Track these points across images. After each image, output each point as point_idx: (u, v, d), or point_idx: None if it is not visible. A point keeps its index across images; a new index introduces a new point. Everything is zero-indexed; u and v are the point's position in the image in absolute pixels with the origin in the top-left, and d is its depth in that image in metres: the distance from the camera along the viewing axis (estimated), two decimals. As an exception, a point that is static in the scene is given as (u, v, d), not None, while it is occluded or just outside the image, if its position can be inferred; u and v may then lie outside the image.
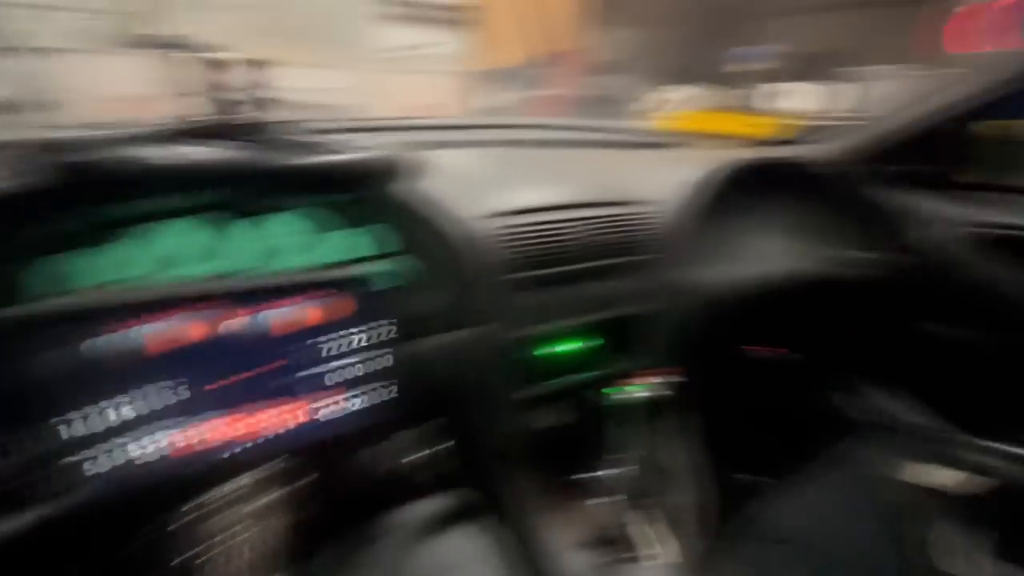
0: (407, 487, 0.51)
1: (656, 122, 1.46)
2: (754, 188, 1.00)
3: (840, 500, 0.84)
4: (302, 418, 0.39)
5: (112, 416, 0.32)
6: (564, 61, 7.63)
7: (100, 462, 0.32)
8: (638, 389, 0.67)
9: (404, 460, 0.51)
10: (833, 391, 1.22)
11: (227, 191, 0.54)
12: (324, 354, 0.40)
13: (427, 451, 0.53)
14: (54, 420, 0.30)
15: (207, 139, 0.44)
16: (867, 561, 0.75)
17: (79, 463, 0.31)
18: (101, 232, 0.49)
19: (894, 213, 1.05)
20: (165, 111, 0.51)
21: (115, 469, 0.32)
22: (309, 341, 0.39)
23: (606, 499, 0.72)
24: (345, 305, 0.41)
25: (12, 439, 0.29)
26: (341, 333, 0.40)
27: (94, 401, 0.32)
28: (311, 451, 0.39)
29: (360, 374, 0.41)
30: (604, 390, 0.69)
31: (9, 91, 4.18)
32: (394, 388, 0.47)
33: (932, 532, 0.78)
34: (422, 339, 0.63)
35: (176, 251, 0.54)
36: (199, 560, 0.31)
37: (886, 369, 1.18)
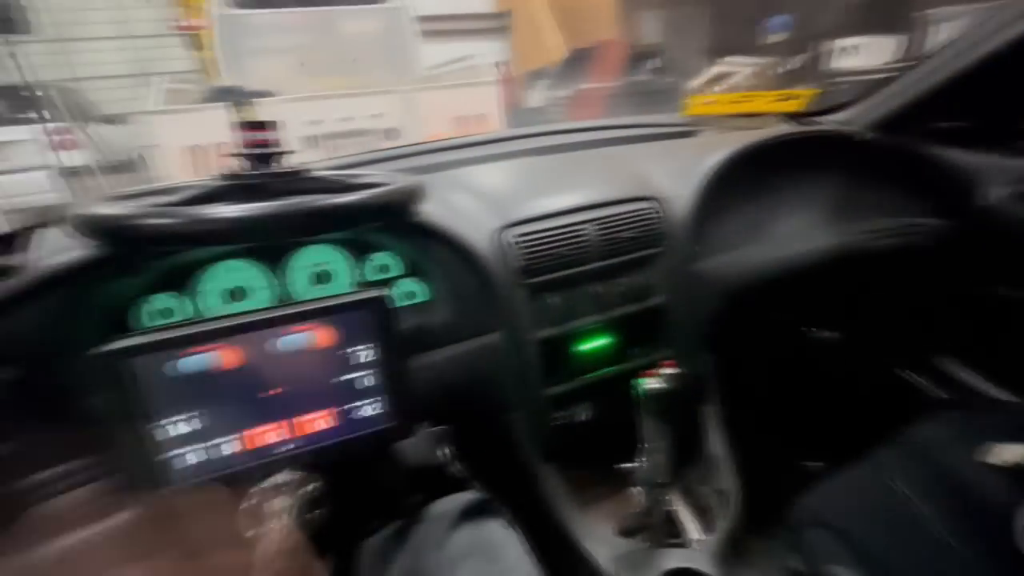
0: (439, 482, 0.57)
1: (688, 108, 1.44)
2: (787, 165, 0.98)
3: (904, 483, 0.80)
4: (341, 420, 0.46)
5: (194, 422, 0.41)
6: (603, 51, 7.51)
7: (186, 458, 0.41)
8: (666, 379, 0.69)
9: (436, 456, 0.57)
10: (898, 369, 1.15)
11: (275, 236, 0.64)
12: (360, 362, 0.47)
13: (455, 449, 0.59)
14: (152, 425, 0.40)
15: (250, 193, 0.52)
16: (931, 548, 0.71)
17: (170, 460, 0.40)
18: (181, 275, 0.60)
19: (947, 174, 0.99)
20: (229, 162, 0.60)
21: (196, 465, 0.41)
22: (346, 352, 0.46)
23: (639, 488, 0.74)
24: (378, 320, 0.47)
25: (121, 440, 0.39)
26: (374, 344, 0.47)
27: (180, 410, 0.40)
28: (348, 449, 0.46)
29: (391, 381, 0.48)
30: (633, 381, 0.71)
31: (100, 156, 4.74)
32: (424, 392, 0.53)
33: (1017, 516, 0.73)
34: (450, 346, 0.69)
35: (240, 284, 0.64)
36: (257, 541, 0.39)
37: (958, 341, 1.10)
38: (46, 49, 7.48)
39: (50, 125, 4.42)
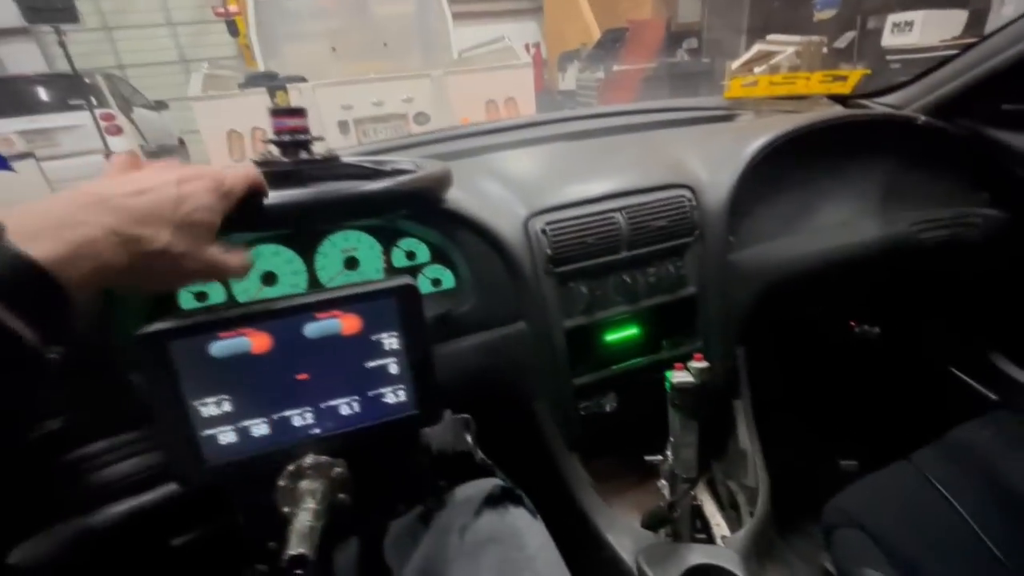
0: (463, 468, 0.57)
1: (728, 91, 1.39)
2: (833, 151, 0.94)
3: (945, 484, 0.77)
4: (366, 406, 0.47)
5: (226, 404, 0.42)
6: (638, 32, 7.29)
7: (219, 438, 0.42)
8: (695, 373, 0.67)
9: (461, 443, 0.57)
10: (946, 367, 1.09)
11: (308, 222, 0.65)
12: (385, 349, 0.47)
13: (479, 437, 0.59)
14: (195, 403, 0.41)
15: (283, 180, 0.53)
16: (971, 555, 0.68)
17: (205, 439, 0.42)
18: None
19: (1007, 161, 0.92)
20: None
21: (229, 445, 0.42)
22: (371, 339, 0.46)
23: (665, 482, 0.73)
24: (403, 307, 0.47)
25: (165, 419, 0.41)
26: (400, 332, 0.47)
27: (213, 392, 0.42)
28: (373, 434, 0.47)
29: (416, 368, 0.48)
30: (664, 373, 0.70)
31: (144, 141, 4.89)
32: (449, 379, 0.54)
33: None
34: (476, 334, 0.69)
35: (271, 269, 0.65)
36: (289, 517, 0.40)
37: (1011, 339, 1.04)
38: (92, 38, 7.78)
39: (99, 111, 4.61)
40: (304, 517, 0.39)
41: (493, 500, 0.54)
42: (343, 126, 3.79)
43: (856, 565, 0.68)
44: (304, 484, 0.42)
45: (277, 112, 0.54)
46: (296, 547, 0.36)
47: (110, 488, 0.50)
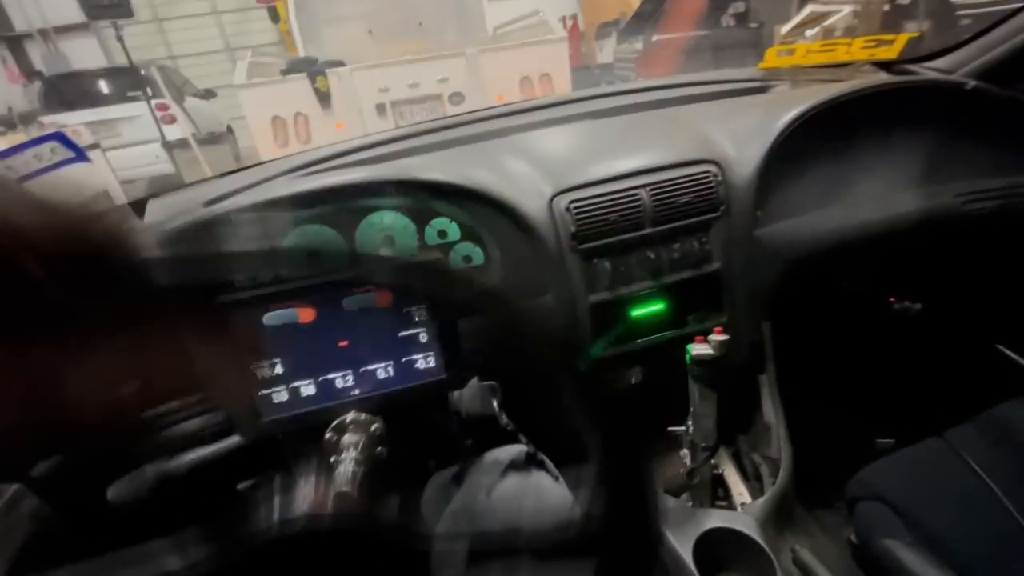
0: (490, 432, 0.62)
1: (764, 61, 1.34)
2: (873, 121, 0.90)
3: (978, 461, 0.75)
4: (399, 370, 0.52)
5: (278, 367, 0.48)
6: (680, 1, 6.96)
7: (273, 397, 0.48)
8: (714, 346, 0.69)
9: (488, 408, 0.62)
10: (990, 344, 1.05)
11: (348, 201, 0.70)
12: (415, 320, 0.52)
13: (505, 404, 0.63)
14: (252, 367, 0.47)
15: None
16: (1001, 531, 0.67)
17: (263, 397, 0.48)
18: (264, 240, 0.68)
19: None
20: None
21: (282, 404, 0.48)
22: (402, 311, 0.51)
23: (686, 451, 0.76)
24: (435, 281, 0.51)
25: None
26: (428, 304, 0.51)
27: (268, 356, 0.48)
28: (406, 395, 0.52)
29: (442, 337, 0.52)
30: (687, 347, 0.72)
31: (195, 129, 5.10)
32: (477, 350, 0.58)
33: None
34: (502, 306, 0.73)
35: (316, 246, 0.71)
36: (334, 465, 0.45)
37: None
38: (144, 30, 8.13)
39: (154, 102, 4.86)
40: (347, 465, 0.44)
41: (518, 464, 0.58)
42: (380, 109, 3.85)
43: (878, 537, 0.69)
44: (347, 437, 0.47)
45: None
46: (341, 487, 0.41)
47: (185, 439, 0.58)
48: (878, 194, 0.88)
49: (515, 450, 0.60)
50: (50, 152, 0.60)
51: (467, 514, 0.56)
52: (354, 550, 0.22)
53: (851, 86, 0.87)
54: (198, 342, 0.21)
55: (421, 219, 0.75)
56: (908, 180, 0.90)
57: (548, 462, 0.61)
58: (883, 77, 1.01)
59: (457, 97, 3.93)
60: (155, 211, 0.80)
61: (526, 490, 0.56)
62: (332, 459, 0.46)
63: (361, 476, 0.43)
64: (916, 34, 1.03)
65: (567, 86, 4.16)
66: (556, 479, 0.60)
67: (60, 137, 0.61)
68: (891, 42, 1.04)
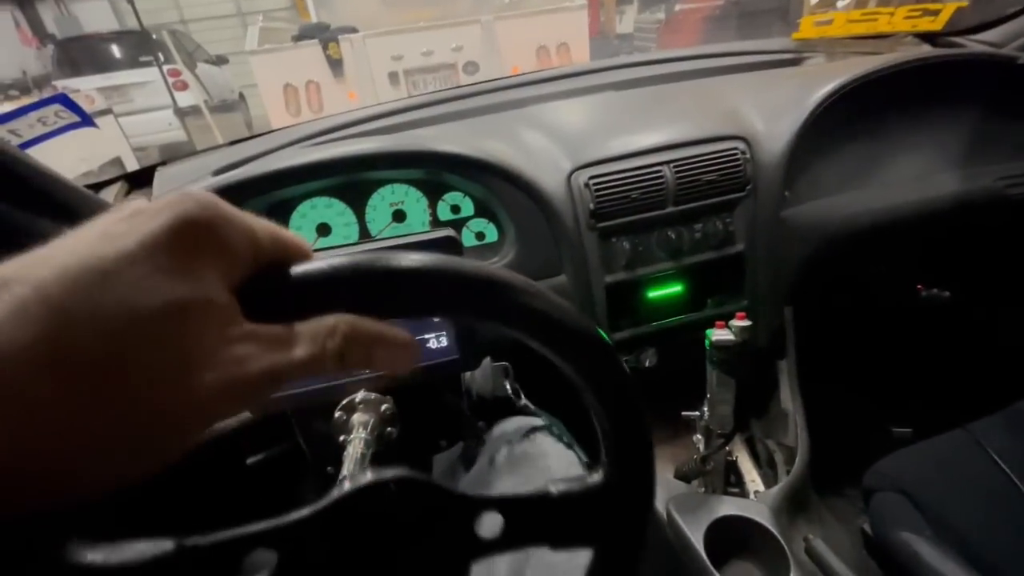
0: (503, 411, 0.60)
1: (799, 31, 1.27)
2: (913, 97, 0.85)
3: (1000, 454, 0.73)
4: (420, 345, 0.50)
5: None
6: (705, -34, 6.66)
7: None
8: (736, 332, 0.66)
9: (501, 388, 0.60)
10: (1020, 336, 1.02)
11: (358, 173, 0.68)
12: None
13: (519, 383, 0.62)
14: None
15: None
16: (1022, 525, 0.65)
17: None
18: (278, 211, 0.67)
19: None
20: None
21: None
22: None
23: (699, 437, 0.74)
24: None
25: None
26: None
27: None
28: (416, 375, 0.50)
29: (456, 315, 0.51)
30: (706, 332, 0.69)
31: (207, 96, 5.05)
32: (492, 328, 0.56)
33: None
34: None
35: (325, 221, 0.69)
36: (344, 444, 0.45)
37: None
38: (157, -8, 7.98)
39: (166, 67, 4.80)
40: (356, 445, 0.43)
41: (526, 432, 0.57)
42: (393, 77, 3.78)
43: (895, 529, 0.68)
44: (356, 417, 0.46)
45: None
46: (350, 470, 0.40)
47: None
48: (914, 175, 0.84)
49: (524, 422, 0.59)
50: (55, 116, 0.58)
51: (476, 487, 0.55)
52: (417, 504, 0.23)
53: (894, 58, 0.81)
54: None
55: (434, 193, 0.72)
56: (947, 161, 0.85)
57: (560, 428, 0.60)
58: (926, 50, 0.95)
59: (471, 67, 3.84)
60: (164, 180, 0.79)
61: (534, 457, 0.55)
62: (341, 439, 0.45)
63: (371, 458, 0.42)
64: (964, 2, 0.96)
65: (585, 56, 4.03)
66: (569, 446, 0.58)
67: (63, 99, 0.59)
68: (936, 12, 0.97)
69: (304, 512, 0.21)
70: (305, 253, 0.20)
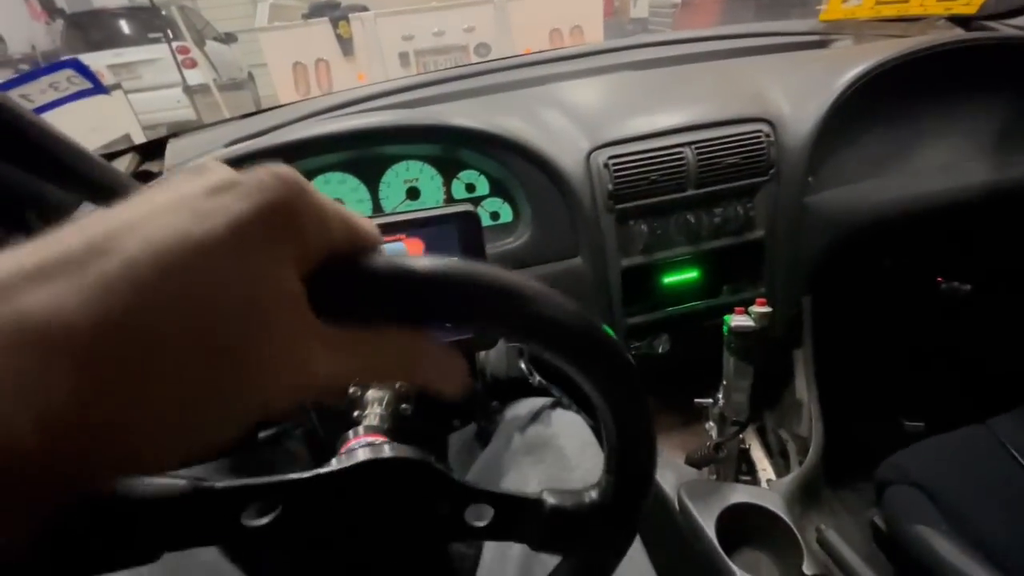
0: (518, 391, 0.60)
1: (826, 12, 1.23)
2: (945, 82, 0.82)
3: (1018, 449, 0.72)
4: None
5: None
6: (724, -51, 6.50)
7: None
8: (755, 318, 0.65)
9: (516, 369, 0.60)
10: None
11: (372, 148, 0.66)
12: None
13: (534, 364, 0.61)
14: None
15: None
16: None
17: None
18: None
19: None
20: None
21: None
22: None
23: (713, 424, 0.74)
24: (463, 234, 0.48)
25: None
26: (461, 256, 0.48)
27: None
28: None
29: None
30: (723, 317, 0.68)
31: (215, 74, 5.00)
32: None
33: None
34: (532, 268, 0.70)
35: (338, 196, 0.68)
36: (358, 420, 0.44)
37: None
38: (166, -33, 7.89)
39: (175, 44, 4.76)
40: (371, 421, 0.43)
41: (540, 414, 0.56)
42: (404, 58, 3.73)
43: (910, 522, 0.67)
44: (371, 393, 0.46)
45: None
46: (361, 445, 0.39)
47: None
48: (943, 164, 0.81)
49: (538, 401, 0.59)
50: (67, 81, 0.57)
51: (489, 472, 0.55)
52: (414, 483, 0.24)
53: (926, 41, 0.78)
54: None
55: (449, 171, 0.71)
56: (978, 150, 0.83)
57: (574, 406, 0.59)
58: (959, 34, 0.92)
59: (483, 48, 3.78)
60: (176, 151, 0.78)
61: (547, 442, 0.54)
62: (356, 414, 0.45)
63: (384, 433, 0.42)
64: (1002, -15, 0.92)
65: (599, 39, 3.96)
66: (582, 424, 0.57)
67: (75, 64, 0.58)
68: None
69: (306, 474, 0.22)
70: (375, 240, 0.19)
